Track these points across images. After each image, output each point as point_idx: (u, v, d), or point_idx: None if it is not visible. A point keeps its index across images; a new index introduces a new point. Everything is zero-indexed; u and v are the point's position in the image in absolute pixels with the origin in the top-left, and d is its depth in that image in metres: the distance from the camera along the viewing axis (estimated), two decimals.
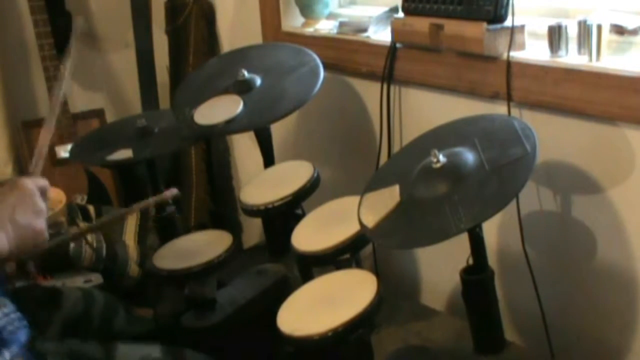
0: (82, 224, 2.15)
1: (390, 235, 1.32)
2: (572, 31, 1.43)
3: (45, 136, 1.40)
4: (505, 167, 1.27)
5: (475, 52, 1.52)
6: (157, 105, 2.59)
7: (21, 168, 2.53)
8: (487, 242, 1.37)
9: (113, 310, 1.53)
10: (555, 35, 1.44)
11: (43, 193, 1.22)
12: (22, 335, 1.23)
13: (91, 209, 2.31)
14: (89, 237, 2.11)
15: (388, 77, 1.77)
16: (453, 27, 1.55)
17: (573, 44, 1.43)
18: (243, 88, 1.75)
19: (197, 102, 1.76)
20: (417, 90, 1.75)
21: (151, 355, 1.30)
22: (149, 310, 1.86)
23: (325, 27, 1.99)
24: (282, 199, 1.60)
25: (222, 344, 1.61)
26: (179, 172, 2.51)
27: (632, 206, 1.40)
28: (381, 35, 1.81)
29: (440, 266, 1.81)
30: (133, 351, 1.31)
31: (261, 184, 1.72)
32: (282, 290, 1.62)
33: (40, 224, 1.18)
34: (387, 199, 1.35)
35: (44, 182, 1.24)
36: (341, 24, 1.91)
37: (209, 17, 2.36)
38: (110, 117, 2.62)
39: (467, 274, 1.38)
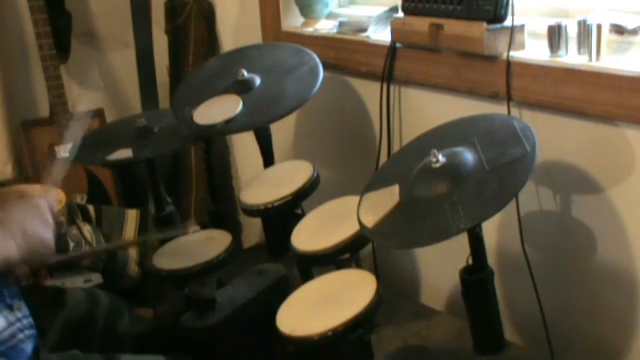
0: (86, 226, 2.15)
1: (390, 235, 1.32)
2: (572, 31, 1.43)
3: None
4: (505, 167, 1.26)
5: (475, 52, 1.52)
6: (157, 105, 2.58)
7: (21, 168, 2.53)
8: (487, 242, 1.37)
9: (118, 313, 1.51)
10: (555, 35, 1.44)
11: (51, 209, 1.24)
12: (29, 347, 1.23)
13: (91, 209, 2.31)
14: (89, 237, 2.11)
15: (388, 77, 1.77)
16: (453, 27, 1.55)
17: (573, 44, 1.43)
18: (243, 88, 1.75)
19: (197, 102, 1.76)
20: (417, 90, 1.75)
21: None
22: (149, 310, 1.86)
23: (325, 27, 1.99)
24: (282, 199, 1.60)
25: (222, 344, 1.61)
26: (179, 172, 2.51)
27: (632, 206, 1.40)
28: (381, 35, 1.81)
29: (440, 266, 1.81)
30: None
31: (261, 184, 1.71)
32: (282, 290, 1.62)
33: (49, 236, 1.20)
34: (387, 199, 1.35)
35: (53, 198, 1.26)
36: (341, 24, 1.91)
37: (209, 17, 2.36)
38: (110, 117, 2.62)
39: (467, 274, 1.38)
